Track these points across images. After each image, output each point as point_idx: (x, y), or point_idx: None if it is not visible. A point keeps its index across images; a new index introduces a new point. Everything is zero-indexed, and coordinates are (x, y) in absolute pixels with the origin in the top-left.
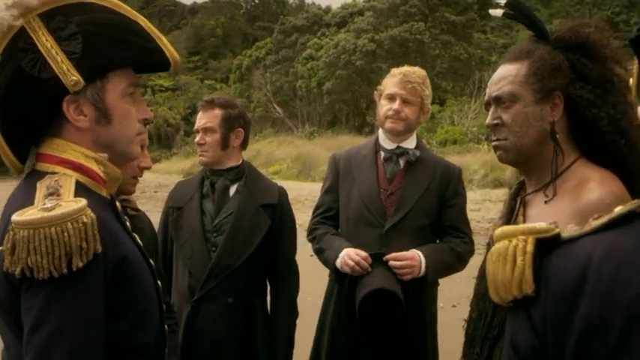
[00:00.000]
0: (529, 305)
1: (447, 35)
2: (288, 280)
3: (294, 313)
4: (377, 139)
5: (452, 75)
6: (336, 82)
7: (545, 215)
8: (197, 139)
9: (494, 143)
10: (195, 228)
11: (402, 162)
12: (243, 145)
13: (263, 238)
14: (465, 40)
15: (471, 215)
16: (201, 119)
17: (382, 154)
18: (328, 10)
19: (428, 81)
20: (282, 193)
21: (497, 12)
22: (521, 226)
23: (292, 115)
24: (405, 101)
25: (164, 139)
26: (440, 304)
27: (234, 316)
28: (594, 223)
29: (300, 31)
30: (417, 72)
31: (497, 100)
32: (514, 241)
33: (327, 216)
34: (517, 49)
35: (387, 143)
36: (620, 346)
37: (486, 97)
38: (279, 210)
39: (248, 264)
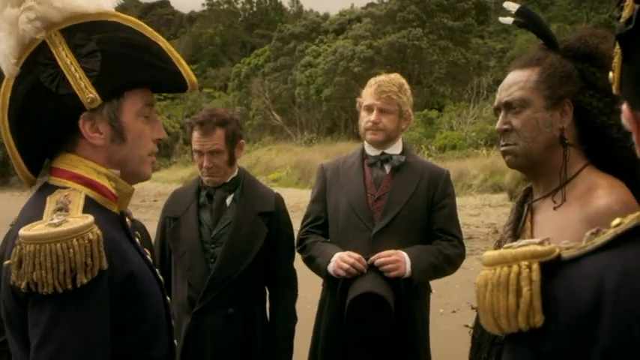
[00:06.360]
0: (536, 337)
1: (444, 41)
2: (286, 287)
3: (293, 319)
4: (363, 147)
5: (450, 80)
6: (334, 88)
7: (554, 222)
8: (205, 163)
9: (503, 148)
10: (193, 239)
11: (387, 168)
12: None
13: (261, 247)
14: (462, 46)
15: (470, 220)
16: (204, 143)
17: (368, 160)
18: (326, 17)
19: (406, 87)
20: (279, 200)
21: (507, 20)
22: (519, 250)
23: (291, 123)
24: (382, 111)
25: (163, 148)
26: (440, 310)
27: (235, 327)
28: (597, 241)
29: (298, 38)
30: (392, 80)
31: (508, 106)
32: (515, 268)
33: (316, 225)
34: (527, 56)
35: (371, 150)
36: None
37: (496, 103)
38: (276, 217)
39: (247, 274)
